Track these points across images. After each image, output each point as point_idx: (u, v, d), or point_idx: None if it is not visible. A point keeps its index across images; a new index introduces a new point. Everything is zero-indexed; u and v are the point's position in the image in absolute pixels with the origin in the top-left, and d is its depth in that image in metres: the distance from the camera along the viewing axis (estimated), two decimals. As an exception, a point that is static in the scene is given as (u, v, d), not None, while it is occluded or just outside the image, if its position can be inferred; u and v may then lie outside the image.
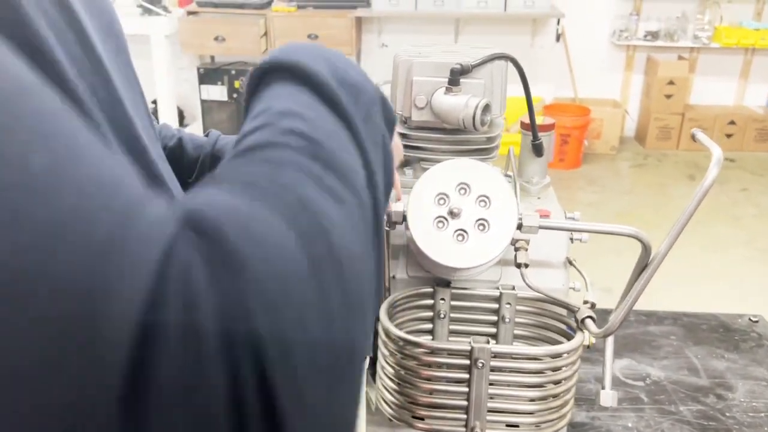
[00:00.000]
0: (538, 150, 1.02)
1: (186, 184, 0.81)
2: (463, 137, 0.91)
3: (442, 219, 0.76)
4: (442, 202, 0.76)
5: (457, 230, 0.75)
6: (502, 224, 0.73)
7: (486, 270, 0.86)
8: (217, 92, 4.80)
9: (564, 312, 0.86)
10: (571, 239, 0.97)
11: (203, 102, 4.87)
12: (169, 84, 4.20)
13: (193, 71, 4.91)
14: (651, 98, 4.95)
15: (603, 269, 3.09)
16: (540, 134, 1.02)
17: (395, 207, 0.78)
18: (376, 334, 0.87)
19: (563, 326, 0.87)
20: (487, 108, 0.84)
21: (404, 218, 0.77)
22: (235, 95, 4.81)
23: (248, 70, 5.07)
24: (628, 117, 5.12)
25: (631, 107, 5.13)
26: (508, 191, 0.74)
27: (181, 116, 5.06)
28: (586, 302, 0.84)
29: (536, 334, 0.89)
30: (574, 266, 0.91)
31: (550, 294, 0.83)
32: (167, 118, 4.21)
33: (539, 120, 1.04)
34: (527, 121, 1.01)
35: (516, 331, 0.89)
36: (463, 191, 0.76)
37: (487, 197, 0.75)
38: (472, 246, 0.74)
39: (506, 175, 1.07)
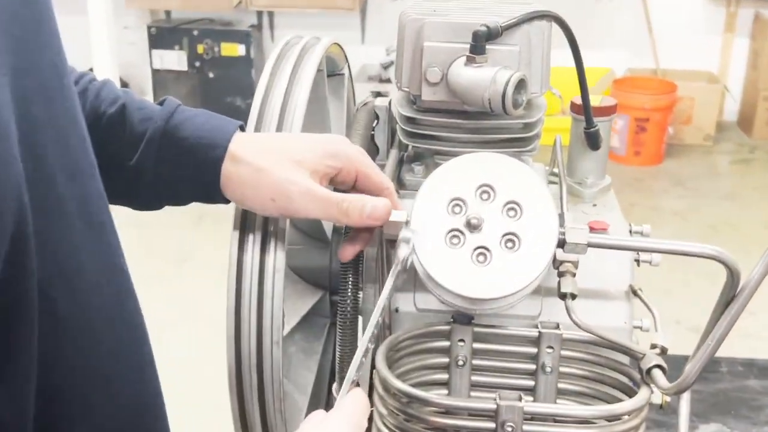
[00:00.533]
0: (592, 140, 1.03)
1: (124, 168, 0.83)
2: (491, 123, 0.92)
3: (457, 233, 0.76)
4: (457, 210, 0.77)
5: (477, 248, 0.76)
6: (538, 241, 0.74)
7: (519, 302, 0.87)
8: (174, 59, 4.85)
9: (626, 360, 0.87)
10: (638, 261, 0.98)
11: (155, 72, 4.92)
12: (108, 48, 4.26)
13: (141, 32, 4.96)
14: (760, 70, 4.94)
15: (689, 302, 3.08)
16: (596, 119, 1.03)
17: (394, 216, 0.79)
18: (371, 387, 0.88)
19: (624, 379, 0.87)
20: (521, 84, 0.85)
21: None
22: (197, 64, 4.86)
23: (215, 31, 5.12)
24: (729, 96, 5.11)
25: (733, 83, 5.12)
26: (546, 196, 0.75)
27: (126, 91, 5.13)
28: (654, 346, 0.85)
29: (587, 388, 0.89)
30: (640, 297, 0.92)
31: (606, 335, 0.83)
32: (107, 94, 4.27)
33: (596, 101, 1.05)
34: (579, 102, 1.03)
35: (561, 385, 0.90)
36: (485, 196, 0.76)
37: (518, 204, 0.75)
38: (497, 269, 0.74)
39: (552, 174, 1.08)
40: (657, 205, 4.26)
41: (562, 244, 0.76)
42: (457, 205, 0.77)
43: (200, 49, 4.83)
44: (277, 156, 0.79)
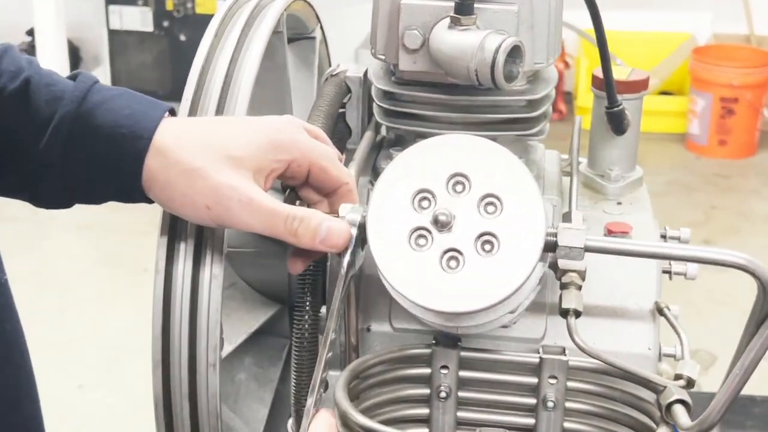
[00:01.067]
0: (616, 122, 1.06)
1: (26, 158, 0.85)
2: (486, 100, 0.95)
3: (423, 232, 0.79)
4: (425, 204, 0.80)
5: (447, 251, 0.79)
6: (520, 243, 0.77)
7: (509, 320, 0.90)
8: (136, 18, 4.91)
9: (646, 392, 0.90)
10: (669, 273, 1.01)
11: (113, 34, 4.98)
12: (54, 4, 4.32)
13: (96, -17, 5.02)
14: None
15: (731, 325, 3.06)
16: (622, 97, 1.06)
17: (347, 212, 0.82)
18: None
19: (642, 417, 0.90)
20: (516, 52, 0.88)
21: (362, 231, 0.81)
22: (165, 23, 4.92)
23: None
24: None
25: None
26: (531, 189, 0.78)
27: (75, 56, 5.18)
28: (679, 377, 0.87)
29: (598, 428, 0.92)
30: (667, 318, 0.94)
31: (619, 362, 0.86)
32: (52, 60, 4.32)
33: (622, 73, 1.08)
34: (601, 75, 1.05)
35: (567, 425, 0.93)
36: (459, 188, 0.79)
37: (497, 198, 0.78)
38: (471, 277, 0.77)
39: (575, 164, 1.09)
40: (746, 209, 4.25)
41: (553, 247, 0.79)
42: (425, 198, 0.80)
43: (169, 4, 4.88)
44: (213, 152, 0.81)
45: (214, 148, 0.81)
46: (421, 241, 0.79)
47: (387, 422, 0.89)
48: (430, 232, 0.79)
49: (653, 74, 4.56)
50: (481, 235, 0.78)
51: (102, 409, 2.77)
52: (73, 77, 0.87)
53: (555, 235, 0.79)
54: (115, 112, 0.83)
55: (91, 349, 3.07)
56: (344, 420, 0.87)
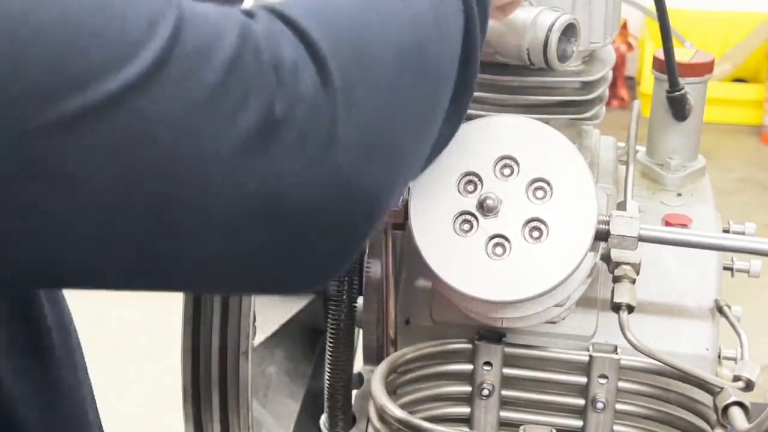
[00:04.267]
0: (677, 108, 1.09)
1: None
2: (537, 81, 0.99)
3: (468, 217, 0.84)
4: (470, 188, 0.84)
5: (493, 237, 0.83)
6: (570, 230, 0.81)
7: (562, 312, 0.94)
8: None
9: (701, 394, 0.93)
10: (730, 270, 1.04)
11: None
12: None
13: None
14: None
15: None
16: (684, 80, 1.09)
17: None
18: (351, 420, 0.96)
19: (697, 421, 0.94)
20: (570, 30, 0.92)
21: (405, 215, 0.86)
22: None
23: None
24: None
25: None
26: (584, 173, 0.82)
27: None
28: (737, 378, 0.91)
29: (650, 431, 0.96)
30: (727, 316, 0.98)
31: (674, 361, 0.90)
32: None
33: (685, 55, 1.11)
34: (663, 57, 1.09)
35: (617, 428, 0.97)
36: (507, 171, 0.84)
37: (547, 182, 0.83)
38: (517, 265, 0.82)
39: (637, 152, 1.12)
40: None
41: (605, 236, 0.83)
42: (471, 181, 0.84)
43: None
44: None
45: None
46: (466, 227, 0.84)
47: (426, 420, 0.92)
48: (475, 216, 0.83)
49: (726, 58, 4.54)
50: (529, 221, 0.83)
51: (111, 412, 2.83)
52: None
53: (607, 223, 0.83)
54: None
55: (99, 351, 3.13)
56: (381, 414, 0.92)
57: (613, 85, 4.48)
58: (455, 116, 0.71)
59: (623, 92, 4.67)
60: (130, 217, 0.53)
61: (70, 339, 0.79)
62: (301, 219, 0.57)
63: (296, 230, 0.57)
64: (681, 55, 1.10)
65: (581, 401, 0.96)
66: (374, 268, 1.01)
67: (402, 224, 0.87)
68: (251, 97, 0.53)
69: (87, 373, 0.82)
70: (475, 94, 1.00)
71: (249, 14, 0.57)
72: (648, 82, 4.66)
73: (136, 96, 0.50)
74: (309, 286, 0.67)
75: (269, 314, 1.07)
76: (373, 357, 1.02)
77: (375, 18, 0.62)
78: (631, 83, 4.90)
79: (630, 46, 4.80)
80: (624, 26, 4.58)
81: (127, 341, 3.05)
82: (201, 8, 0.55)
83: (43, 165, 0.50)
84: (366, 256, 1.01)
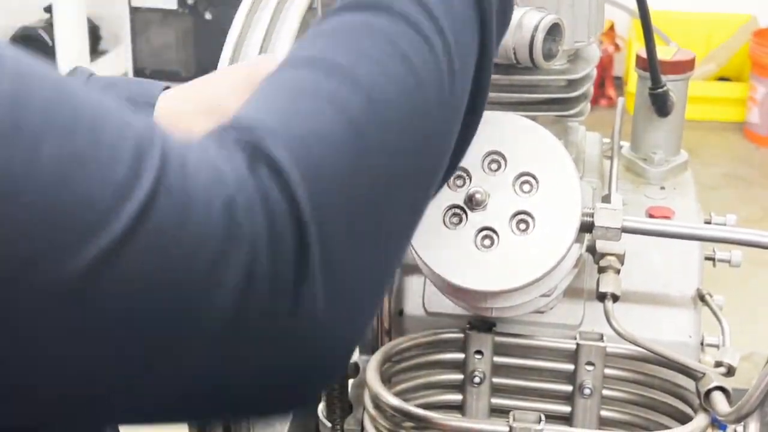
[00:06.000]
0: (660, 104, 1.10)
1: None
2: (524, 79, 1.00)
3: (457, 211, 0.85)
4: (459, 182, 0.85)
5: (481, 229, 0.84)
6: (556, 222, 0.82)
7: (549, 302, 0.95)
8: (159, -5, 4.97)
9: (685, 380, 0.94)
10: (712, 260, 1.05)
11: (134, 12, 5.05)
12: (72, -20, 4.38)
13: (116, -43, 5.09)
14: None
15: None
16: (667, 78, 1.10)
17: None
18: (348, 407, 0.96)
19: (681, 405, 0.94)
20: (555, 30, 0.93)
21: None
22: (190, 1, 4.98)
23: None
24: None
25: None
26: (568, 167, 0.82)
27: (95, 35, 5.24)
28: (719, 364, 0.92)
29: (635, 416, 0.97)
30: (709, 305, 0.99)
31: (658, 348, 0.91)
32: (70, 39, 4.38)
33: (667, 53, 1.12)
34: (645, 55, 1.09)
35: (604, 413, 0.97)
36: (494, 166, 0.85)
37: (533, 176, 0.83)
38: (505, 256, 0.83)
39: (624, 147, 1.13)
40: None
41: (589, 227, 0.84)
42: (459, 176, 0.85)
43: (195, -20, 4.94)
44: (194, 106, 0.84)
45: (196, 102, 0.85)
46: (455, 220, 0.84)
47: (419, 407, 0.93)
48: (464, 210, 0.84)
49: (710, 59, 4.55)
50: (516, 213, 0.83)
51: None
52: (70, 73, 0.92)
53: (592, 215, 0.84)
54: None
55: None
56: (376, 402, 0.93)
57: (602, 85, 4.50)
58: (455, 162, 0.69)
59: (611, 92, 4.68)
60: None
61: None
62: (267, 387, 0.54)
63: (263, 398, 0.55)
64: (663, 53, 1.11)
65: (569, 388, 0.97)
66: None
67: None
68: (224, 279, 0.48)
69: None
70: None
71: (233, 155, 0.52)
72: (634, 81, 4.68)
73: (109, 264, 0.46)
74: (293, 410, 0.67)
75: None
76: (368, 347, 1.02)
77: (371, 144, 0.56)
78: (619, 83, 4.91)
79: (617, 47, 4.81)
80: (611, 28, 4.60)
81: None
82: (188, 168, 0.50)
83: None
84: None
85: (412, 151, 0.59)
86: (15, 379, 0.47)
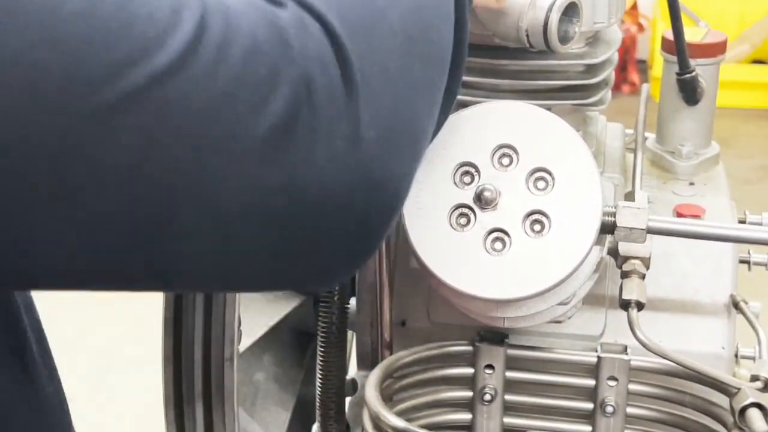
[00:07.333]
0: (688, 91, 1.09)
1: None
2: (538, 64, 0.99)
3: (465, 210, 0.84)
4: (467, 179, 0.84)
5: (491, 231, 0.83)
6: (574, 222, 0.81)
7: (567, 310, 0.94)
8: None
9: (717, 396, 0.93)
10: (747, 263, 1.04)
11: None
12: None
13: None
14: None
15: None
16: (696, 62, 1.09)
17: None
18: (345, 428, 0.96)
19: (713, 424, 0.94)
20: (572, 9, 0.92)
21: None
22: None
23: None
24: None
25: None
26: (587, 162, 0.82)
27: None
28: (755, 378, 0.91)
29: (663, 436, 0.96)
30: (744, 313, 0.98)
31: (688, 361, 0.90)
32: None
33: (696, 34, 1.11)
34: (671, 37, 1.09)
35: (628, 432, 0.97)
36: (505, 161, 0.84)
37: (548, 172, 0.83)
38: (517, 260, 0.82)
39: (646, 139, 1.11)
40: None
41: (611, 228, 0.83)
42: (467, 172, 0.84)
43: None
44: None
45: None
46: (463, 221, 0.84)
47: (424, 428, 0.92)
48: (472, 210, 0.83)
49: (744, 39, 4.54)
50: (530, 213, 0.82)
51: (93, 425, 2.84)
52: None
53: (613, 214, 0.83)
54: None
55: (80, 359, 3.14)
56: (376, 422, 0.92)
57: (624, 70, 4.49)
58: (447, 102, 0.72)
59: (634, 77, 4.67)
60: (149, 207, 0.55)
61: (44, 343, 0.81)
62: (325, 213, 0.59)
63: (319, 224, 0.60)
64: (692, 35, 1.10)
65: (589, 405, 0.97)
66: (367, 267, 1.00)
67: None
68: (278, 88, 0.56)
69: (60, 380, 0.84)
70: (473, 79, 1.01)
71: (276, 2, 0.59)
72: (660, 65, 4.65)
73: (161, 87, 0.53)
74: (334, 280, 0.71)
75: (256, 317, 1.07)
76: (368, 361, 1.02)
77: (382, 4, 0.64)
78: (643, 67, 4.90)
79: (641, 27, 4.79)
80: (634, 6, 4.58)
81: (111, 348, 3.06)
82: None
83: (75, 152, 0.52)
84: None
85: (421, 26, 0.67)
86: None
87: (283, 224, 0.59)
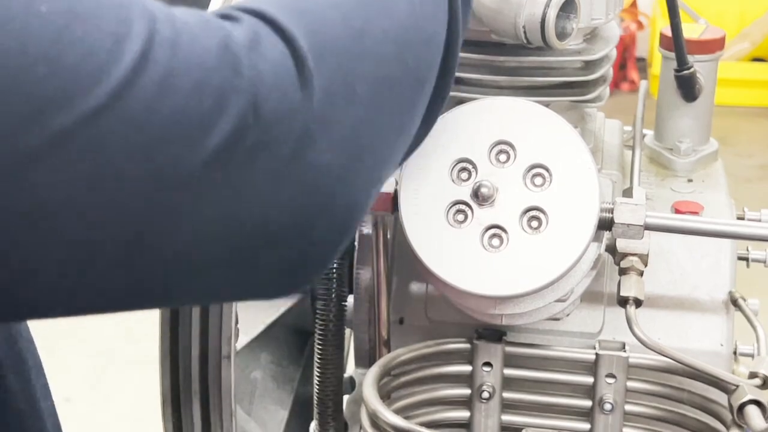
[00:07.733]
0: (686, 88, 1.09)
1: None
2: (536, 61, 0.99)
3: (462, 207, 0.84)
4: (464, 175, 0.84)
5: (489, 227, 0.83)
6: (571, 219, 0.81)
7: (565, 307, 0.94)
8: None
9: (716, 393, 0.93)
10: (746, 260, 1.04)
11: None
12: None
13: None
14: None
15: None
16: (694, 58, 1.09)
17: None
18: (343, 426, 0.96)
19: (712, 421, 0.94)
20: (569, 5, 0.92)
21: (395, 205, 0.86)
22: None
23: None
24: None
25: None
26: (584, 158, 0.82)
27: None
28: (754, 375, 0.91)
29: (661, 433, 0.96)
30: (743, 309, 0.98)
31: (686, 358, 0.90)
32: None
33: (694, 31, 1.11)
34: (670, 33, 1.09)
35: (627, 430, 0.97)
36: (502, 157, 0.84)
37: (546, 168, 0.83)
38: (515, 256, 0.82)
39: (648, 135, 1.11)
40: None
41: (609, 224, 0.83)
42: (464, 169, 0.84)
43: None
44: None
45: None
46: (460, 217, 0.84)
47: (422, 426, 0.92)
48: (470, 206, 0.83)
49: (743, 36, 4.54)
50: (528, 210, 0.83)
51: (93, 424, 2.84)
52: None
53: (611, 211, 0.83)
54: None
55: (78, 359, 3.14)
56: (374, 420, 0.92)
57: (623, 68, 4.49)
58: (430, 117, 0.72)
59: (634, 74, 4.66)
60: (98, 247, 0.54)
61: (26, 374, 0.82)
62: (269, 236, 0.59)
63: (264, 250, 0.59)
64: (690, 31, 1.10)
65: (588, 403, 0.97)
66: (364, 265, 1.00)
67: (390, 213, 0.87)
68: (223, 116, 0.54)
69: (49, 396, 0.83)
70: (470, 75, 1.01)
71: (232, 18, 0.58)
72: (659, 62, 4.64)
73: (92, 126, 0.51)
74: (287, 294, 0.72)
75: (253, 315, 1.07)
76: (365, 359, 1.02)
77: (358, 25, 0.63)
78: (642, 65, 4.89)
79: (640, 25, 4.79)
80: (634, 4, 4.58)
81: (109, 347, 3.06)
82: (178, 18, 0.55)
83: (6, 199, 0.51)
84: (356, 252, 1.01)
85: (396, 52, 0.66)
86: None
87: (232, 250, 0.58)
